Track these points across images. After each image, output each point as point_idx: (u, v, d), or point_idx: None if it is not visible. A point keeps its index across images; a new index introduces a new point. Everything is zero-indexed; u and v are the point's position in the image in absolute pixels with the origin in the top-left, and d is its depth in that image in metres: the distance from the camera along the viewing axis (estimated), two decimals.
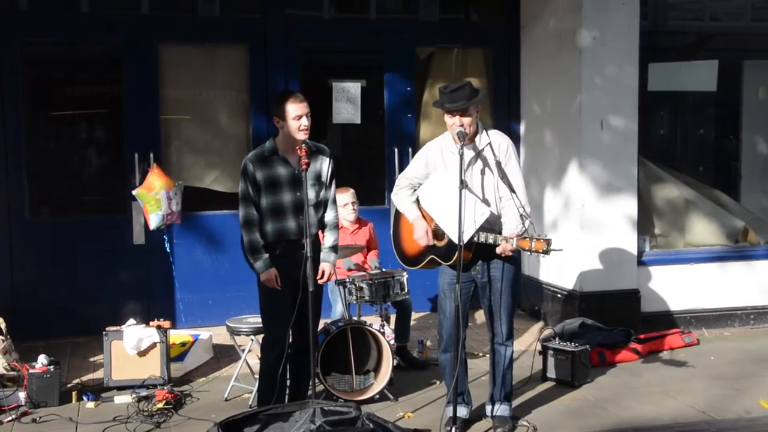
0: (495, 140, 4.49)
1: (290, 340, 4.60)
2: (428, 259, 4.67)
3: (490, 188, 4.49)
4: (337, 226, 4.74)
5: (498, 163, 4.42)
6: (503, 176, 4.40)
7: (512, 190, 4.37)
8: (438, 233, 4.59)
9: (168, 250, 6.57)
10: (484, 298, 4.63)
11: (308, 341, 4.40)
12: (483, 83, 7.56)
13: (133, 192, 6.20)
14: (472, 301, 4.70)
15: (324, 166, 4.62)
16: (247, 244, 4.52)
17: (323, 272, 4.62)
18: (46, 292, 6.71)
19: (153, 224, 6.14)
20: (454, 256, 4.42)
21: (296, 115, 4.44)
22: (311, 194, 4.52)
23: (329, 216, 4.69)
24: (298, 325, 4.50)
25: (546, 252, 4.17)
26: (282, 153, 4.53)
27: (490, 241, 4.36)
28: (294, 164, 4.51)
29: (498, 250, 4.36)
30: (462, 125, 4.36)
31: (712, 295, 7.05)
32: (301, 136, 4.45)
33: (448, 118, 4.43)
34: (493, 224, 4.46)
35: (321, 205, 4.65)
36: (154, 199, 6.04)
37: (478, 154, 4.49)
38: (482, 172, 4.49)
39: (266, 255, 4.51)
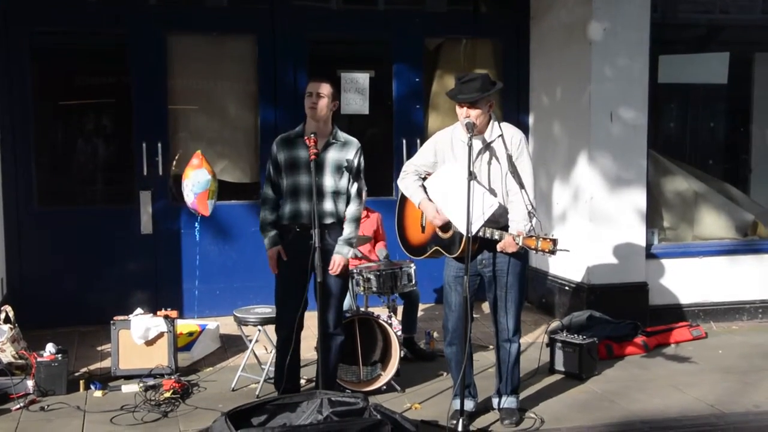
0: (507, 133, 4.44)
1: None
2: (432, 249, 4.65)
3: (497, 181, 4.44)
4: (356, 220, 4.71)
5: (509, 157, 4.37)
6: (513, 170, 4.35)
7: (521, 186, 4.33)
8: (444, 225, 4.57)
9: (197, 239, 6.56)
10: (489, 293, 4.60)
11: (327, 329, 4.56)
12: (492, 74, 7.46)
13: (208, 178, 5.85)
14: (477, 293, 4.67)
15: (348, 156, 4.64)
16: (260, 221, 4.71)
17: (334, 263, 4.60)
18: (54, 282, 6.74)
19: (210, 211, 5.94)
20: (458, 249, 4.41)
21: (307, 92, 4.62)
22: (329, 182, 4.58)
23: (350, 209, 4.67)
24: (320, 312, 4.53)
25: (552, 252, 4.11)
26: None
27: (496, 237, 4.32)
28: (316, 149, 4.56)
29: (499, 246, 4.31)
30: (468, 117, 4.32)
31: (720, 288, 7.02)
32: (308, 112, 4.60)
33: (457, 108, 4.41)
34: (498, 218, 4.42)
35: (340, 196, 4.63)
36: (215, 185, 5.91)
37: (488, 146, 4.45)
38: (490, 165, 4.44)
39: (273, 232, 4.65)
